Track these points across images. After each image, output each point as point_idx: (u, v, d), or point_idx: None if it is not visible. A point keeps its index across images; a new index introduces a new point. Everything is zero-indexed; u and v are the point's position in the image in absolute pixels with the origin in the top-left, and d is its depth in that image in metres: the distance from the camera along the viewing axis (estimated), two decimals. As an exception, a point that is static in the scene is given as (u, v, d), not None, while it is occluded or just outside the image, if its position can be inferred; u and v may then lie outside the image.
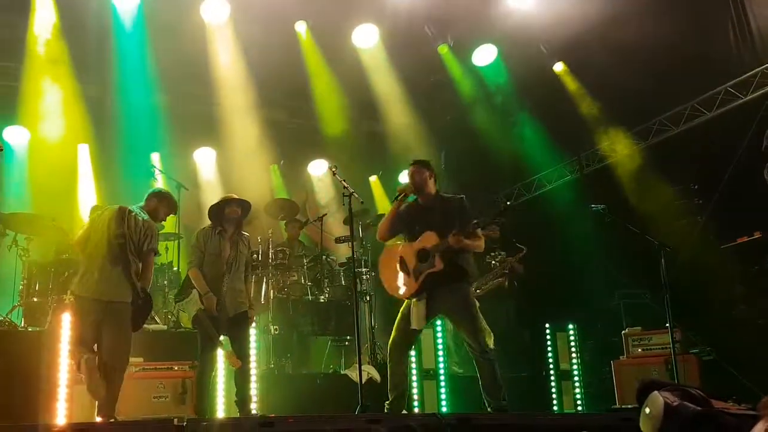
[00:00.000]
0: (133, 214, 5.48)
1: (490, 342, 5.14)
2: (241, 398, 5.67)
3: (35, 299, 7.04)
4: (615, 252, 8.34)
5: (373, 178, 11.05)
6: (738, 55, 8.02)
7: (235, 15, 9.00)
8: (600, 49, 8.26)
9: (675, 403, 3.18)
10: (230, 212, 5.88)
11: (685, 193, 8.33)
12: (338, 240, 8.56)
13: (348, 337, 7.60)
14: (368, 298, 7.82)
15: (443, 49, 9.91)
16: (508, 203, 5.15)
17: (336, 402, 6.39)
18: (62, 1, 8.61)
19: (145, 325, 6.03)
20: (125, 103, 9.16)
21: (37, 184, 8.89)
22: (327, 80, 9.85)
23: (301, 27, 9.48)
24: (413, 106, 10.17)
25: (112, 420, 5.04)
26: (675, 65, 8.05)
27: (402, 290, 5.33)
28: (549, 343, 7.53)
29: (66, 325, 5.53)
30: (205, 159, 10.50)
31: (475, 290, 7.80)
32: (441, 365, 6.75)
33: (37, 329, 6.60)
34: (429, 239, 5.24)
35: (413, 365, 6.56)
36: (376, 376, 6.59)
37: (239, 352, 5.69)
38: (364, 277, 7.93)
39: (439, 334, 6.81)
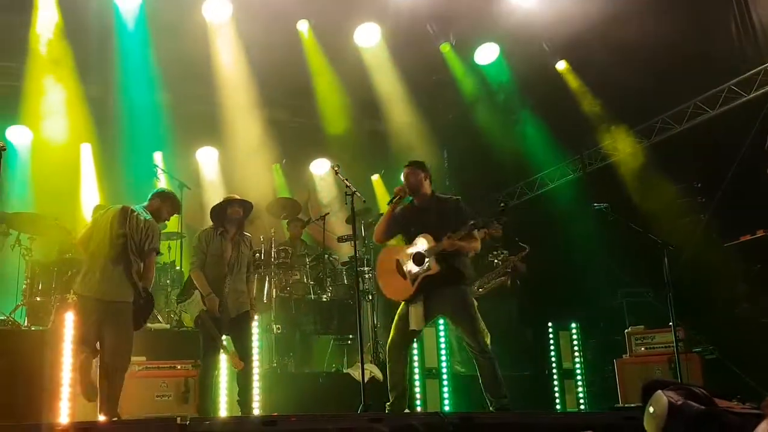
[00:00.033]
0: (136, 213, 5.49)
1: (488, 342, 5.15)
2: (244, 398, 5.67)
3: (38, 298, 7.06)
4: (618, 250, 8.32)
5: (376, 177, 11.05)
6: (741, 52, 7.99)
7: (236, 14, 9.00)
8: (602, 47, 8.24)
9: (679, 403, 3.18)
10: (232, 213, 5.88)
11: (688, 191, 8.31)
12: (340, 239, 8.56)
13: (350, 336, 7.60)
14: (371, 297, 7.83)
15: (445, 48, 9.89)
16: (505, 205, 5.11)
17: (338, 401, 6.39)
18: (64, 1, 8.62)
19: (147, 324, 6.05)
20: (127, 102, 9.18)
21: (40, 183, 8.92)
22: (329, 79, 9.85)
23: (303, 26, 9.47)
24: (415, 104, 10.16)
25: (115, 419, 5.05)
26: (677, 63, 8.04)
27: (399, 293, 5.34)
28: (551, 341, 7.52)
29: (69, 324, 5.54)
30: (207, 158, 10.53)
31: (478, 289, 7.81)
32: (444, 364, 6.74)
33: (40, 328, 6.62)
34: (424, 242, 5.25)
35: (416, 364, 6.57)
36: (379, 375, 6.59)
37: (242, 353, 5.69)
38: (367, 276, 7.93)
39: (442, 333, 6.81)
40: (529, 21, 8.89)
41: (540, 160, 10.29)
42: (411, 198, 5.48)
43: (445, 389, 6.65)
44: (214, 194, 9.78)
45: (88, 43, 8.80)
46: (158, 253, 5.73)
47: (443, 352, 6.79)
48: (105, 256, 5.34)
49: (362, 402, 5.08)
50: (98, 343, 5.30)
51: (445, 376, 6.70)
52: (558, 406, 7.35)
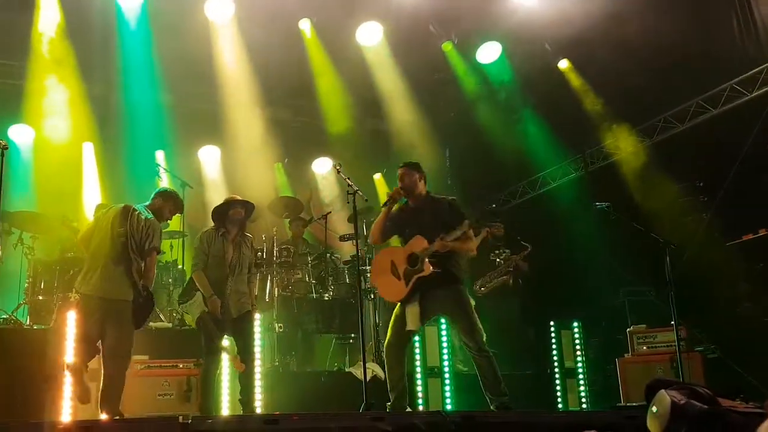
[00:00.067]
0: (137, 212, 5.49)
1: (485, 341, 5.16)
2: (246, 397, 5.67)
3: (40, 297, 7.07)
4: (620, 249, 8.31)
5: (378, 176, 11.04)
6: (743, 51, 7.99)
7: (239, 13, 9.01)
8: (604, 46, 8.23)
9: (682, 402, 3.18)
10: (234, 213, 5.87)
11: (690, 190, 8.30)
12: (342, 238, 8.55)
13: (352, 335, 7.60)
14: (372, 296, 7.82)
15: (447, 47, 9.89)
16: (493, 206, 5.17)
17: (340, 399, 6.39)
18: (67, 0, 8.62)
19: (150, 323, 6.05)
20: (130, 101, 9.19)
21: (42, 182, 8.93)
22: (331, 78, 9.85)
23: (305, 25, 9.47)
24: (417, 103, 10.16)
25: (117, 418, 5.06)
26: (679, 62, 8.04)
27: (393, 294, 5.35)
28: (554, 340, 7.51)
29: (71, 323, 5.55)
30: (209, 157, 10.52)
31: (480, 288, 7.82)
32: (445, 363, 6.74)
33: (43, 327, 6.63)
34: (418, 243, 5.26)
35: (418, 363, 6.58)
36: (381, 373, 6.58)
37: (244, 352, 5.70)
38: (368, 274, 7.92)
39: (444, 332, 6.81)
40: (531, 20, 8.89)
41: (542, 159, 10.29)
42: (406, 199, 5.49)
43: (447, 388, 6.64)
44: (216, 193, 9.80)
45: (91, 42, 8.81)
46: (159, 252, 5.73)
47: (445, 351, 6.78)
48: (106, 255, 5.35)
49: (364, 401, 5.09)
50: (99, 342, 5.31)
51: (447, 375, 6.69)
52: (560, 405, 7.34)
